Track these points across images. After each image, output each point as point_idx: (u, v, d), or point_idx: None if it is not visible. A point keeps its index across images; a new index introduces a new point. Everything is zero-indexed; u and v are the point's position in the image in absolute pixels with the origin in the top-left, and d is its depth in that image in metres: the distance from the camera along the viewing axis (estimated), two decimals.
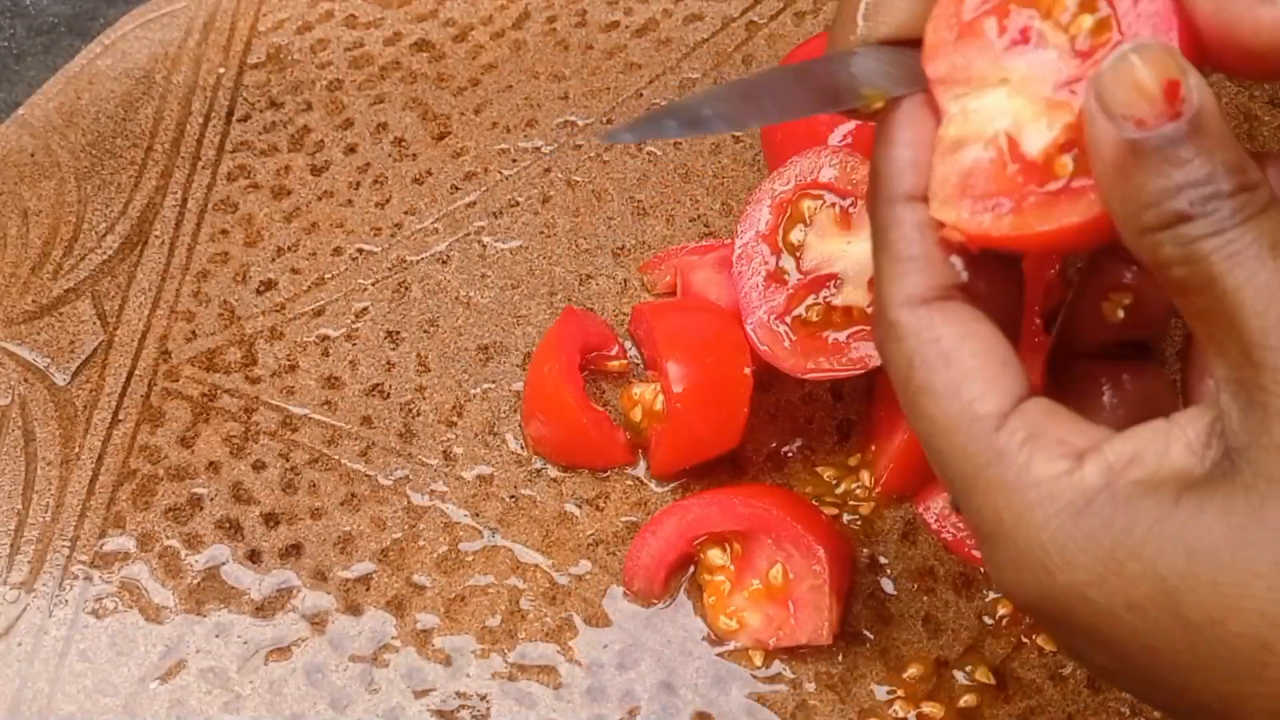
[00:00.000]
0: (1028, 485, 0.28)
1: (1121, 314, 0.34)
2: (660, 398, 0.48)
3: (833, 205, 0.47)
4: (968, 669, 0.45)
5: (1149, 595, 0.27)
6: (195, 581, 0.48)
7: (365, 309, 0.55)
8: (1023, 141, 0.30)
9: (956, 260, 0.31)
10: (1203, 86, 0.27)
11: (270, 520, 0.50)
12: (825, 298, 0.46)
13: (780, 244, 0.47)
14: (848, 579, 0.46)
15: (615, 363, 0.51)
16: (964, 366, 0.29)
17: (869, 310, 0.45)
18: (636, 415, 0.49)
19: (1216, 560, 0.26)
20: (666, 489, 0.49)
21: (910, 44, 0.33)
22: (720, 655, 0.45)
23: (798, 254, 0.47)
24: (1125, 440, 0.28)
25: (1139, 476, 0.27)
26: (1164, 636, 0.27)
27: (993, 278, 0.32)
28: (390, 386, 0.53)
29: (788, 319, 0.46)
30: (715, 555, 0.46)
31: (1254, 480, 0.26)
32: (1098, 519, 0.27)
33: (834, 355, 0.45)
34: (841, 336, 0.46)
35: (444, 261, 0.56)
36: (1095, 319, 0.34)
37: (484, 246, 0.56)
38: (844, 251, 0.46)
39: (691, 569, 0.47)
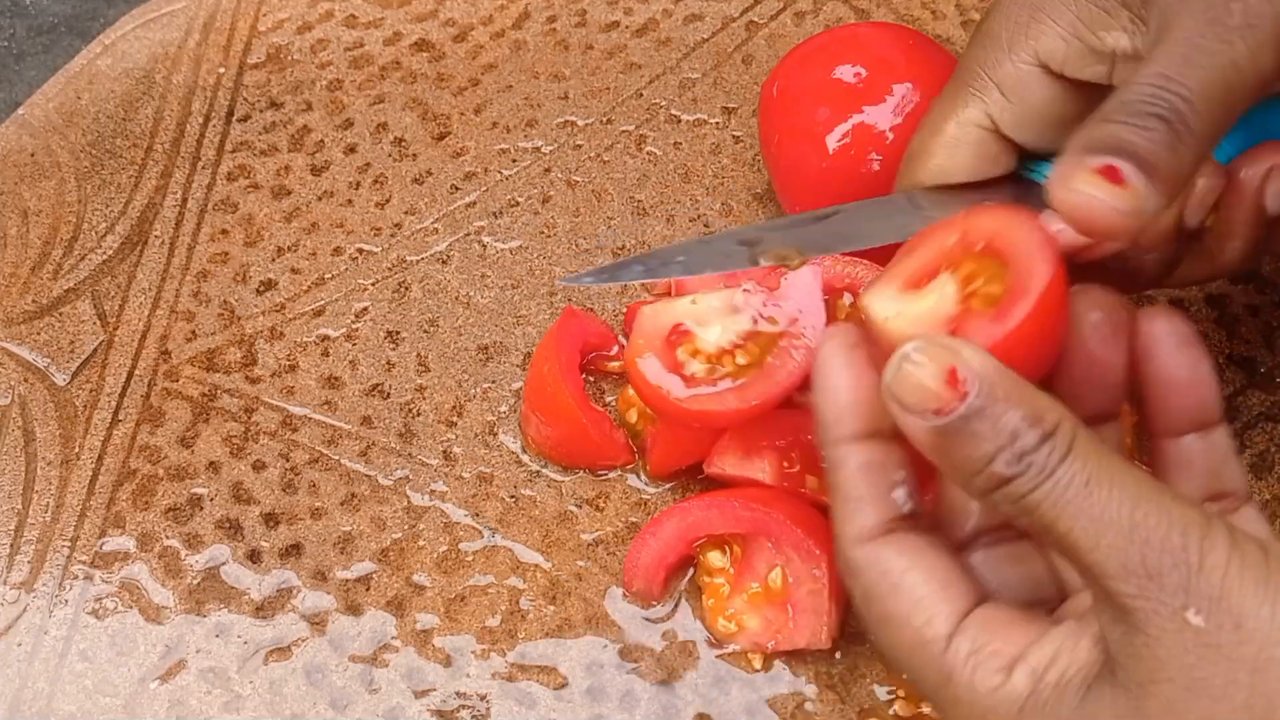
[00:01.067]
0: (974, 699, 0.32)
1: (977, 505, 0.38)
2: None
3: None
4: None
5: None
6: (195, 581, 0.48)
7: (365, 309, 0.55)
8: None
9: (900, 493, 0.34)
10: (981, 359, 0.30)
11: (270, 520, 0.50)
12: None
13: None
14: None
15: (615, 363, 0.51)
16: (913, 595, 0.33)
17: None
18: (632, 416, 0.49)
19: None
20: (664, 489, 0.49)
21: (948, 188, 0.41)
22: (719, 658, 0.45)
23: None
24: (1046, 645, 0.31)
25: (1054, 678, 0.31)
26: None
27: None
28: (390, 386, 0.53)
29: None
30: (715, 558, 0.46)
31: (1127, 682, 0.30)
32: None
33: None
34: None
35: (444, 261, 0.56)
36: (959, 511, 0.38)
37: (484, 246, 0.56)
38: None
39: (691, 571, 0.47)
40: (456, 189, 0.58)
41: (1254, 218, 0.38)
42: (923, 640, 0.32)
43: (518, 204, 0.57)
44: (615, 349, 0.52)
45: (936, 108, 0.43)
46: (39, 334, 0.55)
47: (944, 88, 0.43)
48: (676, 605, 0.47)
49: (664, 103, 0.60)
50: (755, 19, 0.63)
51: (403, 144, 0.60)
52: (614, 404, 0.51)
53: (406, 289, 0.55)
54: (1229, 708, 0.28)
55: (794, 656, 0.45)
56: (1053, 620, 0.33)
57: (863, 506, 0.34)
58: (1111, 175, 0.32)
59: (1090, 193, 0.32)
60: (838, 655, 0.45)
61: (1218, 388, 0.35)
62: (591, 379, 0.51)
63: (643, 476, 0.49)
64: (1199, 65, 0.34)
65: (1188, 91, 0.33)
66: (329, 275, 0.56)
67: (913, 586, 0.33)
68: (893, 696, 0.44)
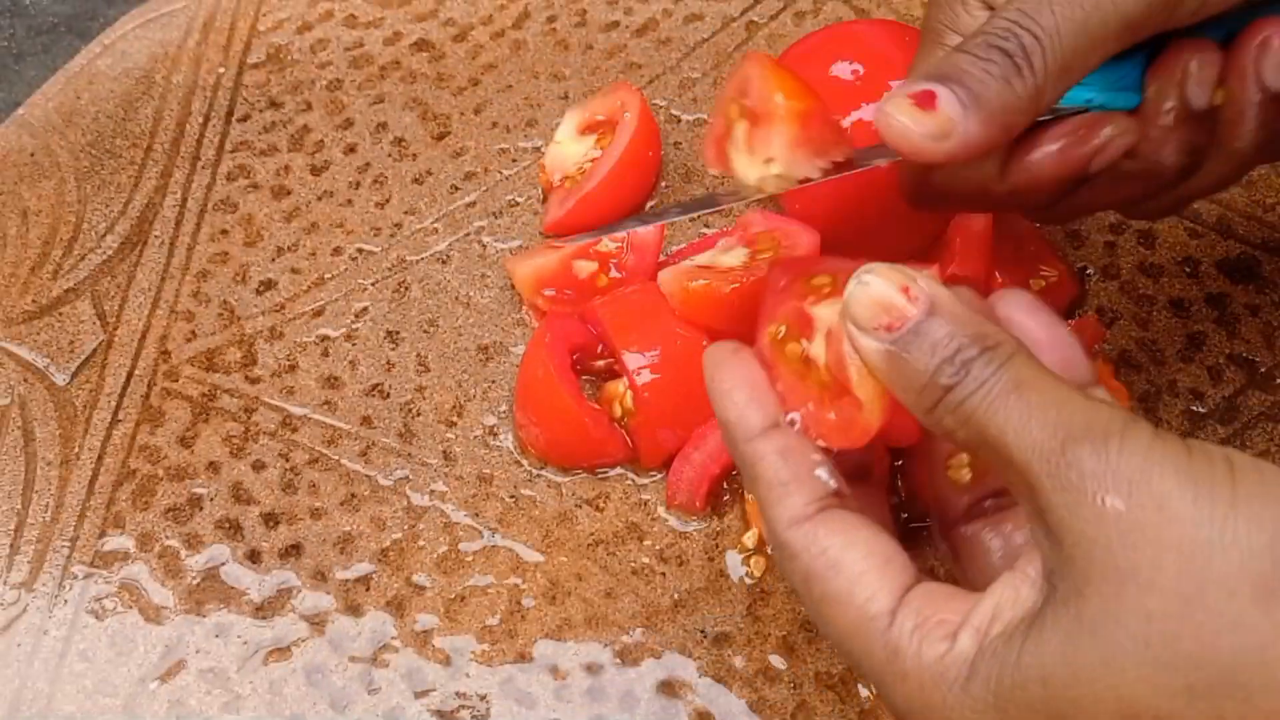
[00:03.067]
0: (921, 670, 0.31)
1: (967, 474, 0.39)
2: (629, 392, 0.48)
3: None
4: None
5: None
6: (195, 581, 0.48)
7: (365, 309, 0.55)
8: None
9: (822, 472, 0.34)
10: (932, 282, 0.32)
11: (270, 520, 0.50)
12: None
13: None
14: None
15: (601, 361, 0.51)
16: (852, 571, 0.33)
17: None
18: (618, 411, 0.49)
19: (1063, 680, 0.29)
20: (661, 478, 0.49)
21: None
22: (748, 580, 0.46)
23: None
24: (986, 600, 0.31)
25: (999, 630, 0.30)
26: None
27: (856, 479, 0.37)
28: (390, 386, 0.53)
29: None
30: None
31: (1065, 595, 0.29)
32: (977, 681, 0.30)
33: None
34: None
35: (444, 261, 0.56)
36: (950, 489, 0.39)
37: (484, 246, 0.56)
38: None
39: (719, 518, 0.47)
40: (456, 189, 0.58)
41: (1259, 96, 0.38)
42: (866, 617, 0.32)
43: (518, 204, 0.57)
44: (600, 347, 0.52)
45: (911, 75, 0.42)
46: (39, 334, 0.55)
47: (914, 56, 0.43)
48: (721, 516, 0.48)
49: (664, 103, 0.60)
50: (755, 19, 0.63)
51: (403, 144, 0.60)
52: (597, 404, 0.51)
53: (406, 289, 0.55)
54: (1159, 595, 0.28)
55: (794, 656, 0.45)
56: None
57: (789, 490, 0.34)
58: (924, 101, 0.33)
59: (899, 119, 0.33)
60: (839, 656, 0.45)
61: (1080, 347, 0.36)
62: (583, 379, 0.51)
63: (641, 476, 0.49)
64: (1058, 3, 0.34)
65: (1040, 30, 0.34)
66: (329, 275, 0.56)
67: (852, 563, 0.33)
68: None
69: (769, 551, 0.35)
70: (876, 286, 0.32)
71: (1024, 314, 0.36)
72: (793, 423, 0.35)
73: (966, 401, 0.30)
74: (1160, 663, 0.28)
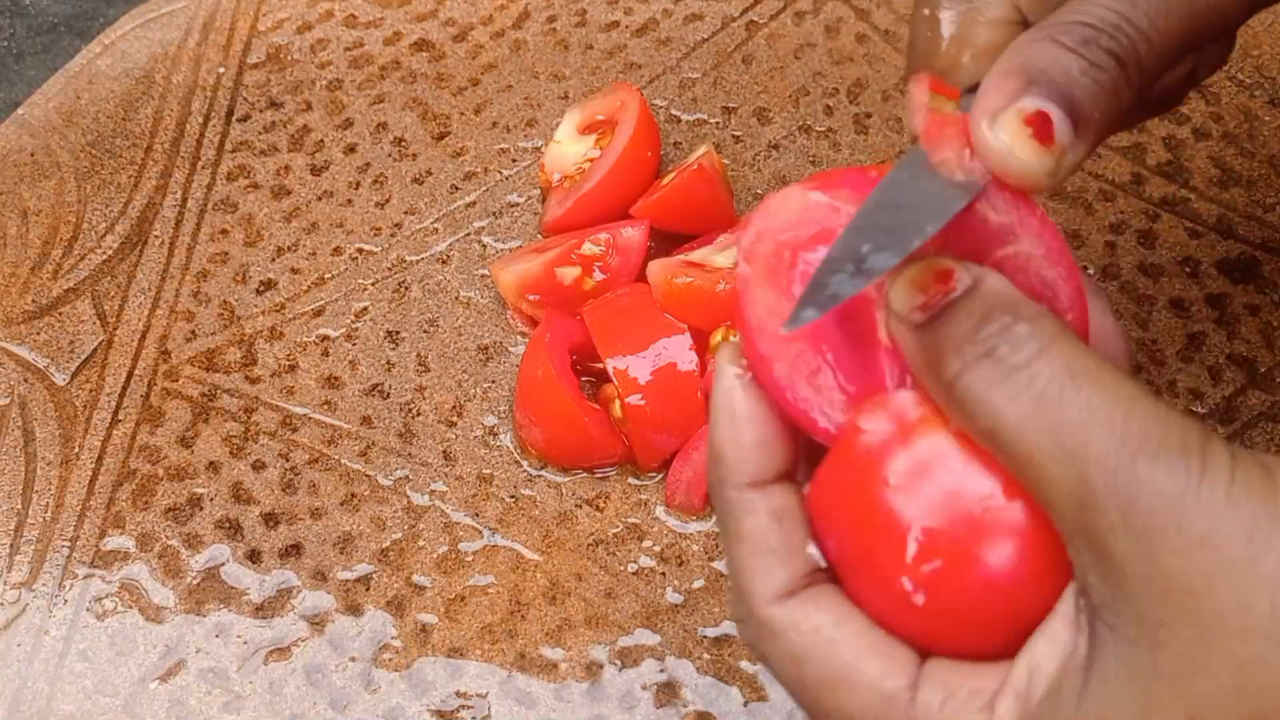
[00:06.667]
0: None
1: None
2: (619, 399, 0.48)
3: None
4: None
5: None
6: (195, 581, 0.48)
7: (365, 309, 0.55)
8: None
9: (814, 549, 0.29)
10: (977, 269, 0.27)
11: (270, 520, 0.50)
12: None
13: None
14: None
15: (599, 364, 0.51)
16: (854, 649, 0.28)
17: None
18: (617, 411, 0.49)
19: None
20: (660, 478, 0.49)
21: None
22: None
23: None
24: (1021, 659, 0.27)
25: (1042, 692, 0.26)
26: None
27: None
28: (390, 386, 0.53)
29: None
30: None
31: (1135, 638, 0.25)
32: None
33: None
34: None
35: (444, 261, 0.56)
36: None
37: (484, 246, 0.56)
38: None
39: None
40: (456, 189, 0.58)
41: None
42: (882, 696, 0.27)
43: (518, 204, 0.57)
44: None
45: (956, 19, 0.36)
46: (39, 334, 0.55)
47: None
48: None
49: (664, 103, 0.60)
50: (755, 19, 0.63)
51: (403, 144, 0.60)
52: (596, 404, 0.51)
53: (406, 289, 0.55)
54: (1253, 640, 0.24)
55: None
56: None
57: (780, 559, 0.29)
58: (1042, 132, 0.28)
59: (1013, 149, 0.28)
60: None
61: (1128, 345, 0.31)
62: (582, 380, 0.51)
63: (641, 477, 0.49)
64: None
65: (1151, 28, 0.30)
66: (329, 275, 0.56)
67: (854, 637, 0.28)
68: None
69: (740, 626, 0.30)
70: (916, 271, 0.28)
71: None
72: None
73: (1000, 385, 0.26)
74: (1256, 716, 0.24)
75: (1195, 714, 0.24)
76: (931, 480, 0.27)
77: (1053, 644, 0.26)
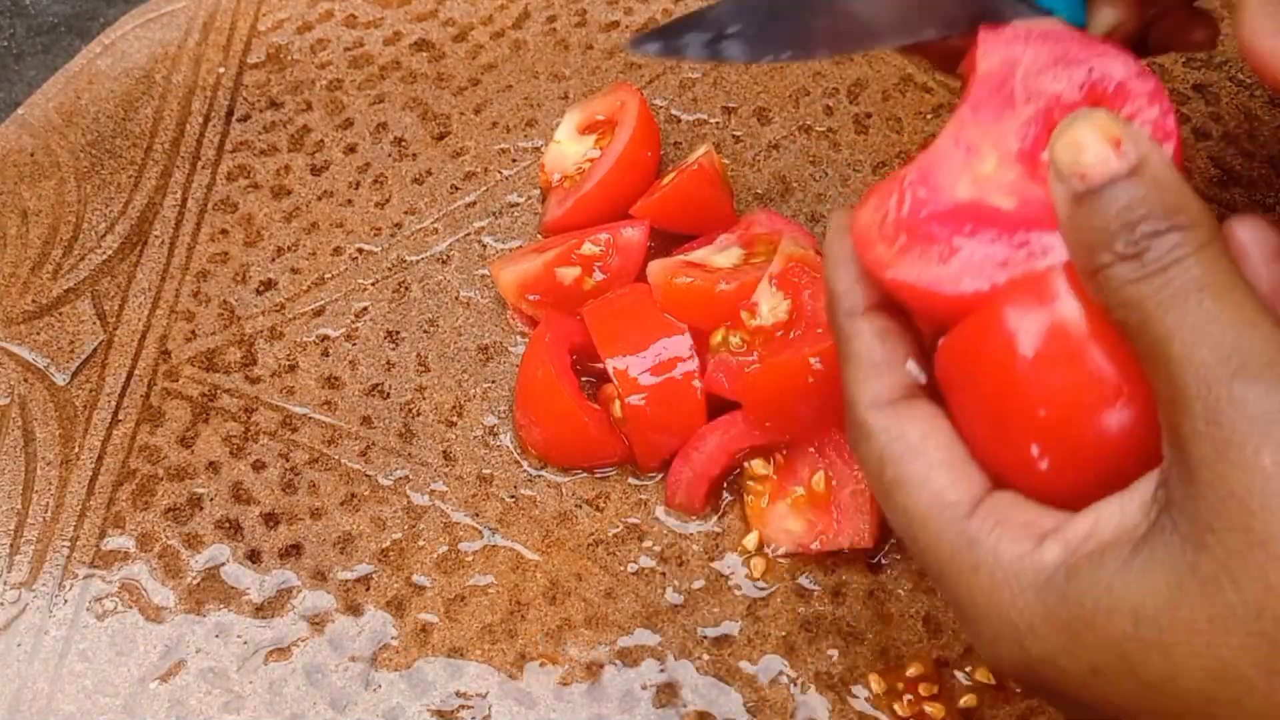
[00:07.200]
0: (995, 566, 0.29)
1: None
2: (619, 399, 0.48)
3: None
4: (968, 669, 0.45)
5: (1108, 661, 0.28)
6: (195, 581, 0.48)
7: (365, 309, 0.55)
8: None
9: (913, 365, 0.33)
10: (1145, 140, 0.28)
11: (270, 520, 0.50)
12: None
13: None
14: None
15: (600, 364, 0.51)
16: (931, 459, 0.31)
17: None
18: (617, 411, 0.49)
19: (1158, 621, 0.27)
20: (660, 478, 0.49)
21: None
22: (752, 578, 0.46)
23: None
24: (1086, 515, 0.29)
25: (1093, 548, 0.28)
26: (1128, 698, 0.28)
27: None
28: (390, 386, 0.53)
29: None
30: (758, 465, 0.47)
31: (1186, 535, 0.27)
32: (1055, 594, 0.28)
33: None
34: None
35: (444, 261, 0.56)
36: None
37: (484, 246, 0.56)
38: None
39: (725, 503, 0.47)
40: (456, 189, 0.58)
41: None
42: (944, 503, 0.30)
43: (518, 204, 0.57)
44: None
45: None
46: (39, 334, 0.55)
47: None
48: (716, 515, 0.48)
49: (664, 103, 0.60)
50: None
51: (403, 144, 0.60)
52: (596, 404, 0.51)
53: (406, 289, 0.55)
54: None
55: (794, 655, 0.45)
56: None
57: (880, 372, 0.32)
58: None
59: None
60: (839, 656, 0.45)
61: None
62: (583, 380, 0.51)
63: (641, 477, 0.49)
64: None
65: None
66: (329, 275, 0.56)
67: (933, 450, 0.31)
68: (893, 696, 0.44)
69: (847, 429, 0.33)
70: (1085, 131, 0.28)
71: (1256, 247, 0.30)
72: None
73: (1139, 284, 0.27)
74: (1267, 636, 0.26)
75: (1214, 617, 0.26)
76: (1064, 356, 0.29)
77: (1119, 515, 0.28)
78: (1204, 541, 0.26)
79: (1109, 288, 0.28)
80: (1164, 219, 0.28)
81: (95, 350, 0.54)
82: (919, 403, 0.32)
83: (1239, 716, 0.27)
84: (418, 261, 0.56)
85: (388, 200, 0.58)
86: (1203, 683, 0.27)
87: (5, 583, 0.48)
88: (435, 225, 0.57)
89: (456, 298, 0.55)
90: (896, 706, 0.44)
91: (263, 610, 0.48)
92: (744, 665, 0.45)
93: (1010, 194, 0.32)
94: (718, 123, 0.59)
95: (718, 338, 0.48)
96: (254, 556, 0.49)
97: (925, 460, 0.31)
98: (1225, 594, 0.26)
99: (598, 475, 0.50)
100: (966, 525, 0.30)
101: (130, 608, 0.48)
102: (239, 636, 0.47)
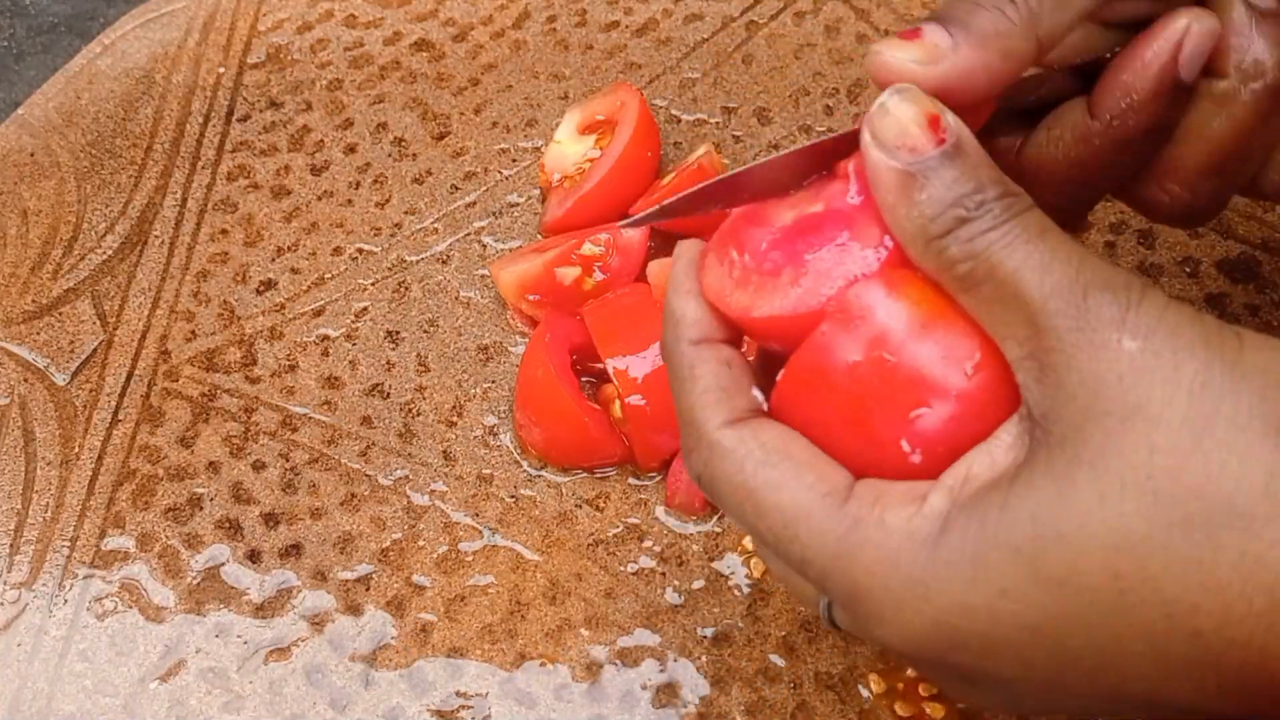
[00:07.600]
0: (886, 536, 0.30)
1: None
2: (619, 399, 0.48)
3: None
4: None
5: (1014, 574, 0.28)
6: (195, 581, 0.48)
7: (365, 309, 0.55)
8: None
9: (757, 391, 0.33)
10: (958, 120, 0.31)
11: (270, 520, 0.50)
12: None
13: None
14: None
15: (600, 364, 0.51)
16: (796, 459, 0.31)
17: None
18: (617, 411, 0.49)
19: (1053, 516, 0.28)
20: (660, 478, 0.49)
21: None
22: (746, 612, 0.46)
23: None
24: (957, 466, 0.30)
25: (976, 486, 0.29)
26: (1037, 610, 0.28)
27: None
28: (390, 386, 0.53)
29: None
30: None
31: (1062, 435, 0.28)
32: (954, 533, 0.29)
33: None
34: None
35: (444, 261, 0.56)
36: None
37: (484, 246, 0.56)
38: None
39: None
40: (456, 189, 0.58)
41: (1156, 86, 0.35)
42: (819, 494, 0.31)
43: (518, 204, 0.57)
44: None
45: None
46: (39, 334, 0.55)
47: None
48: (721, 516, 0.47)
49: (664, 103, 0.60)
50: (755, 19, 0.63)
51: (403, 144, 0.60)
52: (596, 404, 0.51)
53: (406, 289, 0.55)
54: (1167, 429, 0.27)
55: (793, 655, 0.45)
56: None
57: (730, 394, 0.33)
58: (910, 35, 0.32)
59: (887, 53, 0.32)
60: (839, 656, 0.45)
61: None
62: (583, 380, 0.51)
63: (641, 477, 0.49)
64: None
65: None
66: (329, 275, 0.56)
67: (798, 451, 0.31)
68: (893, 696, 0.44)
69: (690, 456, 0.33)
70: (906, 108, 0.30)
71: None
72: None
73: (983, 236, 0.29)
74: (1160, 494, 0.27)
75: (1105, 493, 0.27)
76: (918, 342, 0.30)
77: (989, 457, 0.30)
78: (1083, 432, 0.28)
79: (954, 247, 0.30)
80: (995, 185, 0.30)
81: (95, 350, 0.54)
82: (767, 420, 0.33)
83: (1146, 582, 0.27)
84: (418, 261, 0.56)
85: (388, 200, 0.58)
86: (1107, 559, 0.27)
87: (5, 583, 0.48)
88: (435, 225, 0.57)
89: (456, 298, 0.55)
90: (897, 706, 0.44)
91: (263, 610, 0.48)
92: (744, 665, 0.45)
93: (820, 200, 0.33)
94: (718, 123, 0.59)
95: None
96: (254, 556, 0.49)
97: (791, 460, 0.31)
98: (1111, 465, 0.27)
99: (598, 475, 0.50)
100: (846, 509, 0.30)
101: (130, 608, 0.48)
102: (239, 636, 0.47)
